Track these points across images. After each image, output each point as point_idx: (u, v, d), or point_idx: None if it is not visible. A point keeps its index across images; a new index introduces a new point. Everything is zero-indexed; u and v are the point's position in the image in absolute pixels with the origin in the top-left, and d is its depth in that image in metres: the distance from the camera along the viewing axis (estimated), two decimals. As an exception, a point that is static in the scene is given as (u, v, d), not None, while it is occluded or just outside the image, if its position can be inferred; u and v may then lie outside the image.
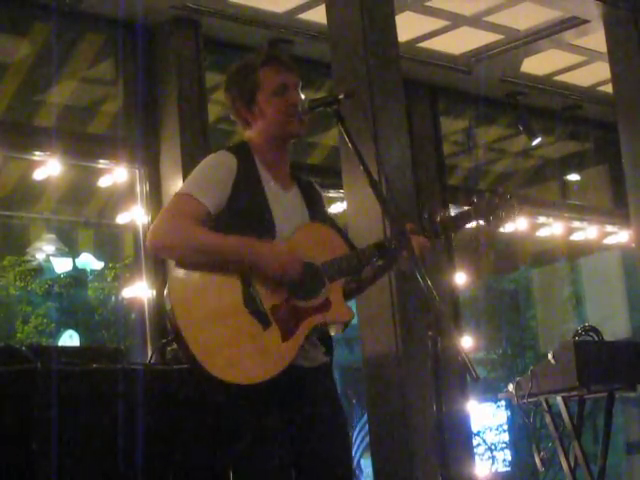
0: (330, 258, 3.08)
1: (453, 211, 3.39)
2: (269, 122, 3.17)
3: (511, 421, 10.99)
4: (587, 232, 9.48)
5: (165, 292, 3.01)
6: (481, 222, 3.27)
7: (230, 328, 2.95)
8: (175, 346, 4.51)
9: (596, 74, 8.35)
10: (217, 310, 2.96)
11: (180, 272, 3.02)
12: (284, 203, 3.16)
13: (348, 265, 3.10)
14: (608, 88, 7.90)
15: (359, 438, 9.75)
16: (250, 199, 3.09)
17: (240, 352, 2.94)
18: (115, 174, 6.56)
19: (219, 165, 3.12)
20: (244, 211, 3.07)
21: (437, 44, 7.61)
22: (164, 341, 4.66)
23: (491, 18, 7.31)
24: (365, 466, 9.51)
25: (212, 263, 2.98)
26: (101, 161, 6.51)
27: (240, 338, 2.95)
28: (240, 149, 3.18)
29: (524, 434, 9.63)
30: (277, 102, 3.16)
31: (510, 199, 3.27)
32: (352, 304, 3.24)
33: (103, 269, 9.80)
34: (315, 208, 3.26)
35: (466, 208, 3.29)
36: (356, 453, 9.83)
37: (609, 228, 9.57)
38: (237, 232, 3.02)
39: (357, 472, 9.81)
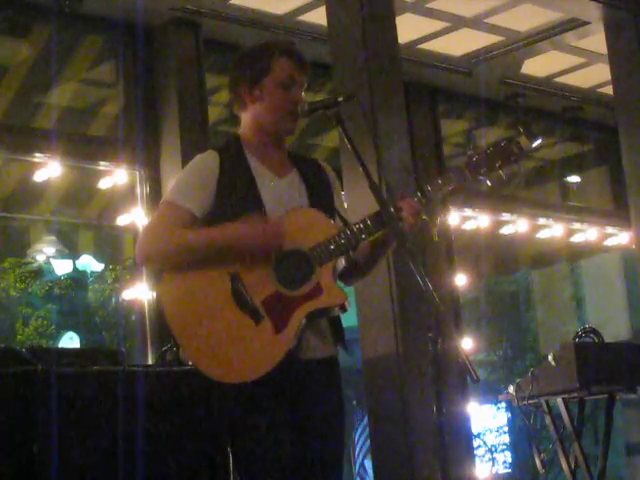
0: (319, 241, 3.04)
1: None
2: (265, 109, 3.15)
3: (511, 423, 11.00)
4: (587, 234, 9.47)
5: (157, 293, 3.03)
6: (481, 175, 3.19)
7: (222, 327, 2.94)
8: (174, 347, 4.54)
9: (596, 76, 8.35)
10: (208, 309, 2.96)
11: (168, 276, 3.02)
12: (277, 190, 3.14)
13: (337, 246, 3.03)
14: (608, 90, 7.90)
15: (361, 439, 9.76)
16: (239, 190, 3.08)
17: (233, 350, 2.93)
18: (115, 176, 6.56)
19: (200, 167, 3.13)
20: (234, 203, 3.06)
21: (437, 46, 7.61)
22: (166, 347, 4.67)
23: (491, 20, 7.31)
24: (369, 467, 9.52)
25: (199, 259, 2.98)
26: (101, 163, 6.51)
27: (232, 336, 2.94)
28: (228, 144, 3.19)
29: (524, 436, 9.64)
30: (280, 94, 3.15)
31: (511, 145, 3.19)
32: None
33: (103, 271, 9.80)
34: (317, 192, 3.20)
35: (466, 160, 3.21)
36: (359, 455, 9.84)
37: (609, 230, 9.57)
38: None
39: (362, 472, 9.83)
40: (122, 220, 6.84)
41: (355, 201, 5.67)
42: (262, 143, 3.19)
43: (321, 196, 3.20)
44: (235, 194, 3.07)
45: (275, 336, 2.95)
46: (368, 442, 9.47)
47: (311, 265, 3.01)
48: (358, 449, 9.87)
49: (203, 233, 3.02)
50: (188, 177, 3.14)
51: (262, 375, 2.92)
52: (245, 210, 3.05)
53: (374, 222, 3.05)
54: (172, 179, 6.34)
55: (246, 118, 3.22)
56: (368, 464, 9.60)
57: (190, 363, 2.98)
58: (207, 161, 3.12)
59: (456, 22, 7.27)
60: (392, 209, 2.98)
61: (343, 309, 3.07)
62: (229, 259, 2.99)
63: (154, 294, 6.19)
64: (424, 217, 3.12)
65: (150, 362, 6.05)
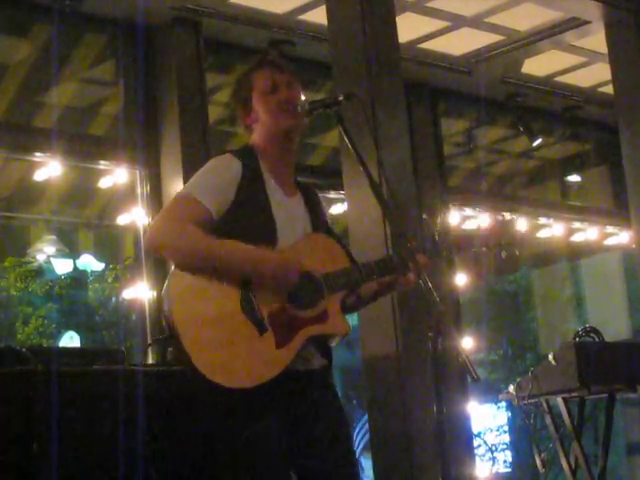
0: (331, 270, 3.06)
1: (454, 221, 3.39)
2: (263, 122, 3.17)
3: (512, 422, 10.99)
4: (587, 233, 9.48)
5: (164, 289, 2.99)
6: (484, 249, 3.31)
7: (226, 331, 2.93)
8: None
9: (596, 75, 8.35)
10: (214, 312, 2.95)
11: (178, 272, 3.00)
12: (287, 210, 3.14)
13: (348, 279, 3.08)
14: (608, 89, 7.90)
15: (359, 436, 9.78)
16: (253, 205, 3.06)
17: (234, 355, 2.92)
18: (115, 175, 6.56)
19: (224, 168, 3.09)
20: (247, 217, 3.04)
21: (438, 45, 7.61)
22: (160, 337, 4.65)
23: (492, 19, 7.32)
24: (366, 467, 9.53)
25: (205, 270, 2.96)
26: (102, 162, 6.51)
27: (235, 342, 2.93)
28: (245, 153, 3.16)
29: (525, 435, 9.62)
30: (267, 101, 3.16)
31: (512, 248, 3.30)
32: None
33: (103, 270, 9.80)
34: (317, 216, 3.25)
35: (471, 230, 3.31)
36: (356, 451, 9.86)
37: (609, 229, 9.58)
38: (238, 237, 2.98)
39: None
40: (122, 219, 6.85)
41: (355, 200, 5.67)
42: (274, 160, 3.17)
43: (319, 221, 3.25)
44: (249, 208, 3.05)
45: (276, 351, 2.95)
46: (365, 439, 9.51)
47: (321, 291, 3.03)
48: (355, 446, 9.90)
49: (217, 243, 2.96)
50: (211, 176, 3.09)
51: (257, 385, 2.91)
52: (256, 225, 3.05)
53: (384, 266, 3.11)
54: (172, 179, 6.35)
55: (254, 137, 3.22)
56: (365, 462, 9.62)
57: (183, 361, 2.95)
58: (230, 165, 3.08)
59: (456, 21, 7.28)
60: (403, 258, 3.02)
61: (342, 337, 3.11)
62: (238, 277, 2.96)
63: (157, 292, 6.22)
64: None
65: (150, 361, 6.05)
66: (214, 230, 3.01)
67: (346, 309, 3.16)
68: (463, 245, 3.30)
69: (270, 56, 3.33)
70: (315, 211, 3.26)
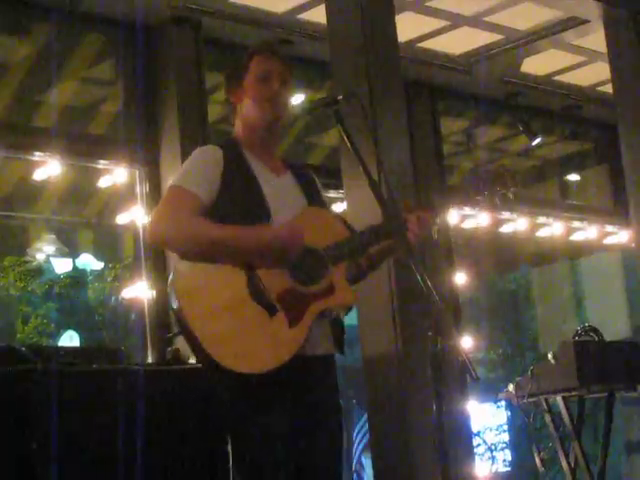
0: (331, 242, 3.09)
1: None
2: (248, 106, 3.22)
3: (511, 421, 11.00)
4: (587, 232, 9.48)
5: (169, 286, 3.01)
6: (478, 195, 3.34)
7: (237, 318, 2.95)
8: (174, 346, 4.55)
9: (596, 74, 8.35)
10: (223, 300, 2.96)
11: (184, 264, 3.03)
12: (278, 188, 3.18)
13: (350, 248, 3.12)
14: (608, 88, 7.90)
15: (359, 436, 9.79)
16: (242, 187, 3.12)
17: (249, 341, 2.94)
18: (115, 174, 6.55)
19: (205, 157, 3.17)
20: (237, 199, 3.09)
21: (437, 44, 7.61)
22: (170, 334, 4.66)
23: (491, 18, 7.31)
24: (366, 464, 9.54)
25: (212, 253, 2.99)
26: (101, 161, 6.50)
27: (248, 327, 2.95)
28: (226, 142, 3.24)
29: (524, 434, 9.63)
30: (258, 88, 3.22)
31: (505, 173, 3.32)
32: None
33: (103, 269, 9.82)
34: (310, 192, 3.28)
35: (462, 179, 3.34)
36: (356, 451, 9.86)
37: (609, 228, 9.57)
38: (233, 221, 3.03)
39: (358, 469, 9.86)
40: (122, 219, 6.83)
41: (355, 199, 5.67)
42: (256, 143, 3.23)
43: (314, 197, 3.28)
44: (238, 190, 3.10)
45: (289, 330, 2.97)
46: (366, 439, 9.51)
47: (325, 264, 3.05)
48: (356, 446, 9.91)
49: (224, 228, 3.02)
50: (194, 166, 3.18)
51: (276, 367, 2.92)
52: (248, 206, 3.08)
53: (382, 230, 3.13)
54: (172, 177, 6.34)
55: (237, 121, 3.29)
56: (365, 461, 9.63)
57: (199, 355, 2.96)
58: (211, 153, 3.17)
59: (456, 20, 7.27)
60: (399, 218, 3.01)
61: (349, 309, 3.14)
62: (246, 257, 3.00)
63: (156, 291, 6.22)
64: (431, 228, 3.22)
65: (150, 361, 6.05)
66: (209, 217, 3.05)
67: (351, 279, 3.18)
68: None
69: (273, 44, 3.38)
70: (309, 187, 3.29)
